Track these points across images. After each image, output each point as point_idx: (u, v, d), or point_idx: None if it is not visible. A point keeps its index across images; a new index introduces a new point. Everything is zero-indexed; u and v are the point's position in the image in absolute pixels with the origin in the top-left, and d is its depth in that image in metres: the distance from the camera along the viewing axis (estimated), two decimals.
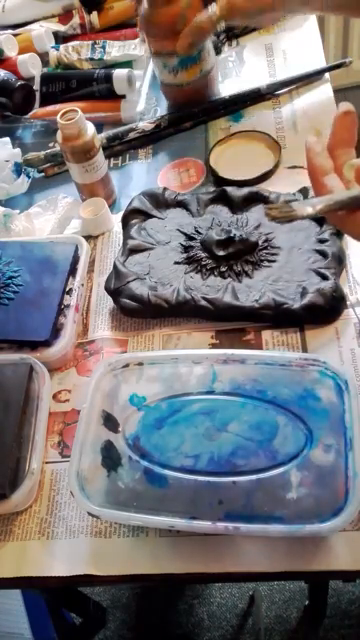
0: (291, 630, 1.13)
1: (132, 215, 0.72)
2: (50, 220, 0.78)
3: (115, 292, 0.65)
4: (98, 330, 0.67)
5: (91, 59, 0.93)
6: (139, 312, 0.64)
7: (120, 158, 0.85)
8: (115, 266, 0.67)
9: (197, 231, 0.68)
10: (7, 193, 0.82)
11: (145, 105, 0.90)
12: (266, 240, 0.65)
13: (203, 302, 0.62)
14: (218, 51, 0.89)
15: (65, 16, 1.04)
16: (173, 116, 0.84)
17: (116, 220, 0.76)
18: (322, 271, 0.61)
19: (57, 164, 0.85)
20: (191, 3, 0.74)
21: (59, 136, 0.72)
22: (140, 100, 0.91)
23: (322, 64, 0.84)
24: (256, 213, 0.69)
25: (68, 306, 0.65)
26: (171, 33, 0.76)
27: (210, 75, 0.83)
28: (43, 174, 0.85)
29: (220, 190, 0.71)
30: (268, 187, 0.72)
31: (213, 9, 0.70)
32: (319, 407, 0.51)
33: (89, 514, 0.50)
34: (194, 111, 0.84)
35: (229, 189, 0.70)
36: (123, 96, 0.88)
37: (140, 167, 0.83)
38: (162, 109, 0.89)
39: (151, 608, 1.21)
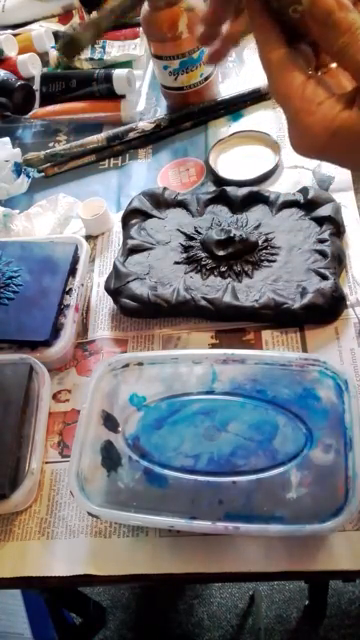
0: (291, 630, 1.13)
1: (132, 215, 0.72)
2: (50, 220, 0.78)
3: (115, 292, 0.65)
4: (98, 330, 0.67)
5: (91, 59, 0.93)
6: (139, 312, 0.64)
7: (120, 158, 0.86)
8: (115, 266, 0.67)
9: (197, 231, 0.68)
10: (7, 193, 0.82)
11: (145, 105, 0.90)
12: (266, 240, 0.65)
13: (203, 302, 0.62)
14: None
15: (65, 16, 1.04)
16: (173, 116, 0.84)
17: (116, 220, 0.76)
18: (322, 271, 0.61)
19: (57, 164, 0.85)
20: (192, 6, 0.74)
21: None
22: (140, 100, 0.91)
23: None
24: (256, 213, 0.69)
25: (68, 306, 0.65)
26: (171, 36, 0.76)
27: (211, 78, 0.83)
28: (43, 174, 0.85)
29: (220, 190, 0.71)
30: (268, 187, 0.73)
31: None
32: (319, 407, 0.51)
33: (89, 514, 0.50)
34: (194, 111, 0.84)
35: (229, 189, 0.70)
36: (123, 96, 0.88)
37: (140, 167, 0.83)
38: (162, 109, 0.89)
39: (151, 608, 1.21)
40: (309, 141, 0.36)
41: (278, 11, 0.36)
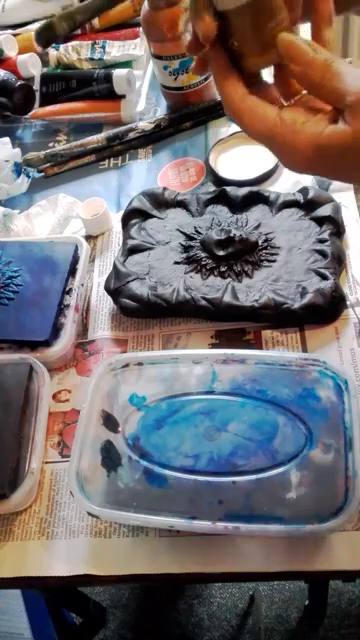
0: (291, 630, 1.13)
1: (132, 215, 0.72)
2: (50, 220, 0.78)
3: (115, 292, 0.65)
4: (98, 330, 0.67)
5: (91, 59, 0.93)
6: (139, 312, 0.64)
7: (120, 158, 0.86)
8: (115, 266, 0.67)
9: (197, 231, 0.68)
10: (7, 193, 0.82)
11: (145, 105, 0.90)
12: (266, 240, 0.65)
13: (203, 302, 0.62)
14: None
15: None
16: (173, 116, 0.84)
17: (116, 220, 0.76)
18: (322, 271, 0.61)
19: (57, 164, 0.85)
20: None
21: None
22: (140, 100, 0.91)
23: None
24: (256, 213, 0.69)
25: (68, 306, 0.65)
26: (172, 36, 0.76)
27: (211, 78, 0.83)
28: (43, 174, 0.85)
29: (220, 190, 0.71)
30: (268, 187, 0.73)
31: None
32: (319, 407, 0.51)
33: (89, 514, 0.50)
34: (194, 111, 0.84)
35: (229, 189, 0.70)
36: (123, 96, 0.88)
37: (140, 167, 0.83)
38: (162, 109, 0.89)
39: (151, 608, 1.21)
40: (300, 158, 0.38)
41: (238, 55, 0.39)
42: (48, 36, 0.58)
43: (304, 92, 0.41)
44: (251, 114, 0.39)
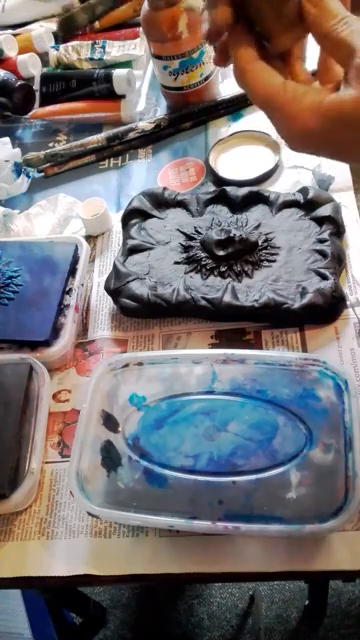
0: (291, 630, 1.13)
1: (132, 215, 0.72)
2: (50, 220, 0.78)
3: (115, 292, 0.65)
4: (98, 330, 0.67)
5: (91, 59, 0.93)
6: (139, 312, 0.64)
7: (120, 158, 0.86)
8: (115, 266, 0.67)
9: (197, 231, 0.68)
10: (7, 193, 0.82)
11: (145, 105, 0.90)
12: (266, 240, 0.65)
13: (203, 302, 0.62)
14: None
15: None
16: (173, 116, 0.84)
17: (116, 220, 0.76)
18: (322, 271, 0.61)
19: (57, 164, 0.85)
20: (192, 6, 0.75)
21: None
22: (140, 100, 0.91)
23: None
24: (256, 213, 0.69)
25: (68, 306, 0.65)
26: (172, 36, 0.76)
27: (211, 78, 0.83)
28: (43, 174, 0.85)
29: (220, 190, 0.71)
30: (268, 187, 0.73)
31: None
32: (319, 407, 0.51)
33: (89, 514, 0.50)
34: (194, 111, 0.84)
35: (229, 189, 0.70)
36: (123, 96, 0.88)
37: (140, 167, 0.83)
38: (162, 109, 0.89)
39: (151, 608, 1.21)
40: (300, 130, 0.36)
41: (263, 37, 0.39)
42: (69, 26, 0.59)
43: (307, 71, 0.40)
44: (255, 77, 0.38)
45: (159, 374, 0.56)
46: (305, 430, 0.50)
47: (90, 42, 0.94)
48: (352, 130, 0.34)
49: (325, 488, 0.47)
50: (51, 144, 0.89)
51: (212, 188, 0.75)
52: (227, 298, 0.61)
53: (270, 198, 0.69)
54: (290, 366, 0.54)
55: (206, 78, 0.83)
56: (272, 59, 0.39)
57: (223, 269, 0.64)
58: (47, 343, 0.62)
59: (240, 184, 0.72)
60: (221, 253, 0.64)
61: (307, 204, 0.67)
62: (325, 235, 0.64)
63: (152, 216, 0.71)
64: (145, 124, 0.84)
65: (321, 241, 0.64)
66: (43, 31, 1.00)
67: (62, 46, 0.96)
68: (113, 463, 0.51)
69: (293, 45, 0.40)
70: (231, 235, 0.64)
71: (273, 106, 0.37)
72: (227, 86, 0.87)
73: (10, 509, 0.54)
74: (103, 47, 0.93)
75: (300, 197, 0.68)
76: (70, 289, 0.66)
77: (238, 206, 0.70)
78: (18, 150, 0.84)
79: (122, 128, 0.85)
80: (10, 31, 1.02)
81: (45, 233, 0.77)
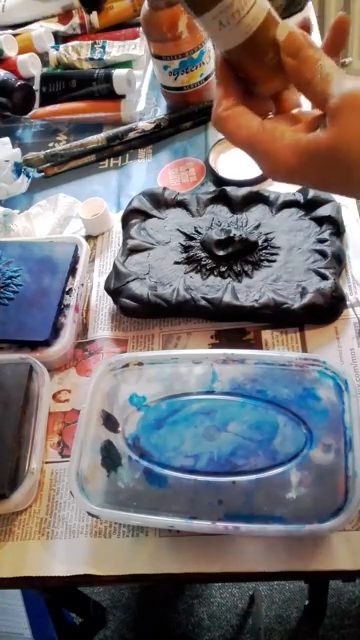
0: (291, 630, 1.13)
1: (132, 215, 0.72)
2: (50, 220, 0.78)
3: (115, 292, 0.65)
4: (98, 330, 0.67)
5: (91, 59, 0.93)
6: (139, 312, 0.64)
7: (120, 158, 0.86)
8: (115, 266, 0.67)
9: (197, 231, 0.68)
10: (7, 193, 0.82)
11: (145, 105, 0.90)
12: (266, 240, 0.65)
13: (203, 302, 0.62)
14: None
15: (65, 16, 1.04)
16: (173, 116, 0.84)
17: (116, 220, 0.76)
18: (322, 271, 0.61)
19: (57, 164, 0.85)
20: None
21: None
22: (140, 100, 0.91)
23: None
24: (256, 213, 0.69)
25: (68, 306, 0.65)
26: (172, 36, 0.76)
27: (211, 78, 0.83)
28: (43, 174, 0.85)
29: (220, 190, 0.71)
30: (268, 187, 0.73)
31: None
32: (319, 407, 0.51)
33: (89, 514, 0.50)
34: (194, 111, 0.84)
35: (229, 189, 0.70)
36: (123, 96, 0.88)
37: (140, 167, 0.83)
38: (162, 109, 0.89)
39: (151, 608, 1.21)
40: (281, 167, 0.39)
41: (238, 67, 0.41)
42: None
43: (295, 111, 0.42)
44: (234, 122, 0.40)
45: (159, 374, 0.56)
46: (305, 430, 0.50)
47: (90, 42, 0.94)
48: (328, 167, 0.37)
49: (325, 488, 0.47)
50: (51, 144, 0.89)
51: (212, 188, 0.75)
52: (227, 298, 0.61)
53: (270, 198, 0.69)
54: (290, 366, 0.54)
55: (206, 78, 0.83)
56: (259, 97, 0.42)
57: (223, 269, 0.64)
58: (47, 343, 0.62)
59: (240, 184, 0.72)
60: (221, 253, 0.64)
61: (307, 204, 0.67)
62: (325, 235, 0.64)
63: (152, 216, 0.71)
64: (145, 124, 0.84)
65: (321, 241, 0.64)
66: (43, 31, 1.00)
67: (62, 46, 0.96)
68: (113, 463, 0.51)
69: (271, 93, 0.42)
70: (231, 235, 0.64)
71: (254, 147, 0.40)
72: None
73: (10, 509, 0.54)
74: (103, 47, 0.93)
75: (300, 197, 0.68)
76: (70, 289, 0.66)
77: (238, 206, 0.70)
78: (18, 150, 0.84)
79: (122, 128, 0.85)
80: (10, 31, 1.02)
81: (45, 233, 0.77)
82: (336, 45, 0.41)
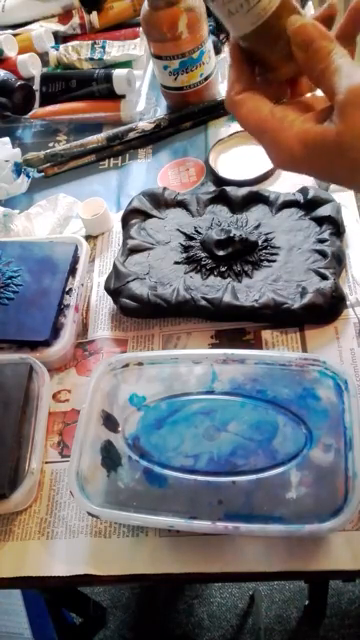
0: (291, 630, 1.13)
1: (132, 215, 0.72)
2: (50, 220, 0.78)
3: (115, 292, 0.65)
4: (98, 330, 0.67)
5: (91, 59, 0.93)
6: (139, 312, 0.64)
7: (120, 158, 0.86)
8: (115, 266, 0.67)
9: (197, 231, 0.68)
10: (7, 193, 0.82)
11: (145, 105, 0.90)
12: (266, 240, 0.65)
13: (203, 302, 0.62)
14: (218, 51, 0.89)
15: (65, 16, 1.04)
16: (173, 116, 0.84)
17: (116, 220, 0.76)
18: (322, 271, 0.61)
19: (57, 164, 0.85)
20: (192, 6, 0.75)
21: None
22: (140, 100, 0.91)
23: None
24: (256, 213, 0.69)
25: (68, 306, 0.65)
26: (172, 36, 0.76)
27: (211, 78, 0.83)
28: (43, 174, 0.85)
29: (220, 190, 0.71)
30: (268, 187, 0.73)
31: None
32: (319, 407, 0.51)
33: (89, 514, 0.50)
34: (194, 111, 0.84)
35: (229, 189, 0.70)
36: (123, 96, 0.88)
37: (140, 167, 0.83)
38: (162, 109, 0.89)
39: (151, 608, 1.21)
40: (288, 155, 0.39)
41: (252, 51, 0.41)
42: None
43: (308, 95, 0.42)
44: (246, 107, 0.41)
45: (159, 374, 0.56)
46: (305, 430, 0.50)
47: (90, 42, 0.94)
48: (333, 160, 0.37)
49: (325, 488, 0.47)
50: (51, 144, 0.89)
51: (212, 188, 0.75)
52: (227, 298, 0.61)
53: (270, 198, 0.69)
54: (290, 366, 0.54)
55: (206, 78, 0.83)
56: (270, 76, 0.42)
57: (223, 269, 0.64)
58: (47, 343, 0.62)
59: (240, 184, 0.72)
60: (221, 253, 0.64)
61: (307, 204, 0.67)
62: (325, 235, 0.64)
63: (152, 216, 0.71)
64: (145, 124, 0.84)
65: (321, 241, 0.64)
66: (43, 31, 1.00)
67: (62, 46, 0.96)
68: (113, 463, 0.51)
69: (285, 79, 0.42)
70: (231, 235, 0.64)
71: (262, 132, 0.40)
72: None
73: (10, 509, 0.54)
74: (103, 47, 0.93)
75: (300, 197, 0.68)
76: (70, 289, 0.66)
77: (238, 206, 0.70)
78: (18, 150, 0.84)
79: (122, 128, 0.85)
80: (10, 31, 1.02)
81: (45, 233, 0.77)
82: (351, 33, 0.40)
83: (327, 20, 0.40)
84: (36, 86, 0.94)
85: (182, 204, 0.72)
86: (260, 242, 0.65)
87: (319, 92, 0.41)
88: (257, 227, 0.67)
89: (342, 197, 0.69)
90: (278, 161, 0.40)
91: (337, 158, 0.37)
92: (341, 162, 0.37)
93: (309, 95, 0.42)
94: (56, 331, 0.63)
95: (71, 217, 0.78)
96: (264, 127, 0.40)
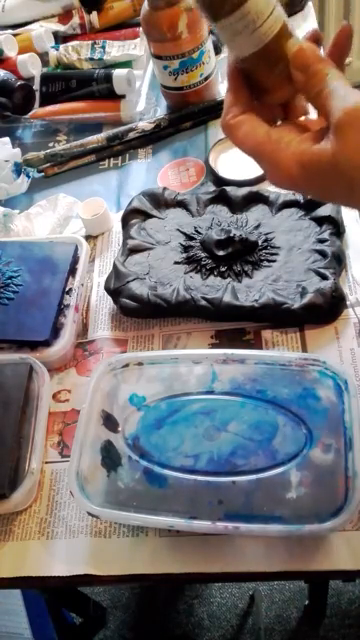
0: (291, 630, 1.13)
1: (132, 215, 0.72)
2: (50, 220, 0.78)
3: (115, 292, 0.65)
4: (98, 330, 0.67)
5: (91, 59, 0.93)
6: (139, 312, 0.64)
7: (120, 158, 0.86)
8: (115, 266, 0.67)
9: (197, 231, 0.68)
10: (7, 193, 0.82)
11: (145, 105, 0.90)
12: (266, 240, 0.65)
13: (203, 302, 0.62)
14: (218, 51, 0.89)
15: (65, 16, 1.04)
16: (173, 116, 0.84)
17: (116, 220, 0.76)
18: (322, 271, 0.61)
19: (57, 164, 0.85)
20: (192, 6, 0.75)
21: None
22: (140, 100, 0.91)
23: None
24: (256, 213, 0.69)
25: (68, 306, 0.65)
26: (172, 36, 0.76)
27: (211, 78, 0.83)
28: (43, 174, 0.85)
29: (220, 190, 0.71)
30: (268, 187, 0.73)
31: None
32: (319, 407, 0.51)
33: (89, 514, 0.50)
34: (194, 111, 0.84)
35: (229, 189, 0.70)
36: (123, 96, 0.88)
37: (140, 167, 0.83)
38: (162, 109, 0.89)
39: (151, 608, 1.21)
40: (286, 176, 0.40)
41: (250, 72, 0.42)
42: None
43: (302, 118, 0.43)
44: (242, 129, 0.41)
45: (159, 374, 0.56)
46: (305, 430, 0.50)
47: (90, 42, 0.94)
48: (330, 179, 0.38)
49: (325, 488, 0.47)
50: (51, 144, 0.89)
51: (212, 188, 0.75)
52: (227, 298, 0.61)
53: (270, 198, 0.69)
54: (290, 366, 0.54)
55: (206, 78, 0.83)
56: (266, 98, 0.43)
57: (223, 269, 0.64)
58: (47, 343, 0.62)
59: (240, 184, 0.72)
60: (221, 253, 0.64)
61: (307, 204, 0.67)
62: (325, 235, 0.64)
63: (152, 216, 0.71)
64: (145, 124, 0.84)
65: (321, 241, 0.64)
66: (43, 31, 1.00)
67: (62, 46, 0.96)
68: (113, 463, 0.51)
69: (280, 102, 0.43)
70: (231, 235, 0.64)
71: (260, 155, 0.41)
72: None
73: (10, 509, 0.54)
74: (103, 47, 0.93)
75: (300, 197, 0.68)
76: (70, 289, 0.66)
77: (238, 206, 0.70)
78: (18, 150, 0.84)
79: (122, 128, 0.85)
80: (10, 31, 1.02)
81: (45, 233, 0.77)
82: (340, 54, 0.41)
83: (315, 43, 0.41)
84: (36, 86, 0.94)
85: (182, 204, 0.72)
86: (260, 242, 0.65)
87: (312, 115, 0.42)
88: (257, 227, 0.67)
89: None
90: (277, 181, 0.41)
91: (334, 178, 0.37)
92: (338, 181, 0.37)
93: (302, 118, 0.43)
94: (56, 331, 0.63)
95: (71, 217, 0.78)
96: (262, 149, 0.40)
